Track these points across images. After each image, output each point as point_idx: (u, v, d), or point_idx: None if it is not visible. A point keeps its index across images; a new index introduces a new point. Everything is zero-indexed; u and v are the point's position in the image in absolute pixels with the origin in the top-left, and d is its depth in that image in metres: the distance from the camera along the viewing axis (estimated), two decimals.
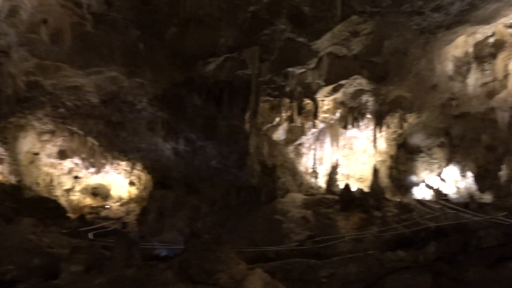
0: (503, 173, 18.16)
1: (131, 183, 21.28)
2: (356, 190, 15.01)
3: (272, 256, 8.99)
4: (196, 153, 16.45)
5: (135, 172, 20.37)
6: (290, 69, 13.83)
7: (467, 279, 7.02)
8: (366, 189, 15.89)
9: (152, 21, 11.48)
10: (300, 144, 18.34)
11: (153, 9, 11.05)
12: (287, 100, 15.66)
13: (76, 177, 20.40)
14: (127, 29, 11.67)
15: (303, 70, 14.03)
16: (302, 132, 17.57)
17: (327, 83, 14.80)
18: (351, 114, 16.92)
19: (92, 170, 19.69)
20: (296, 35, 12.23)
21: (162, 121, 15.60)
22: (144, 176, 20.35)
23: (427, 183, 19.36)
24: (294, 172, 17.53)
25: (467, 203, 15.65)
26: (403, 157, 20.13)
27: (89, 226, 14.20)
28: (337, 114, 17.09)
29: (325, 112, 16.83)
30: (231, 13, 11.27)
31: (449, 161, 19.54)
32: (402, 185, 19.77)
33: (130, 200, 21.39)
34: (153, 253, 10.57)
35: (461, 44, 15.06)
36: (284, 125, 16.97)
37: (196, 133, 15.56)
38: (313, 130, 17.85)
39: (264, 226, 12.66)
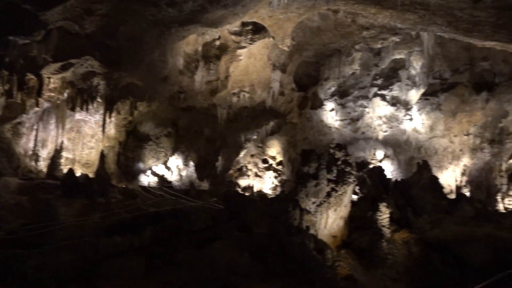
0: (219, 163, 20.35)
1: None
2: (81, 176, 14.43)
3: None
4: None
5: None
6: (11, 38, 12.26)
7: (177, 260, 7.54)
8: (92, 175, 15.45)
9: None
10: (19, 123, 16.46)
11: None
12: (5, 72, 13.80)
13: None
14: None
15: (28, 41, 12.65)
16: (22, 110, 15.82)
17: (55, 60, 13.73)
18: (81, 96, 16.15)
19: None
20: (20, 1, 10.90)
21: None
22: None
23: (153, 170, 20.10)
24: (9, 154, 15.63)
25: (188, 190, 16.95)
26: (132, 144, 20.38)
27: None
28: (65, 95, 16.05)
29: (51, 90, 15.58)
30: None
31: (174, 150, 20.76)
32: (130, 171, 20.00)
33: None
34: None
35: (192, 41, 16.17)
36: (1, 101, 14.94)
37: None
38: (36, 109, 16.29)
39: None
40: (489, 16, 11.25)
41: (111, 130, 19.07)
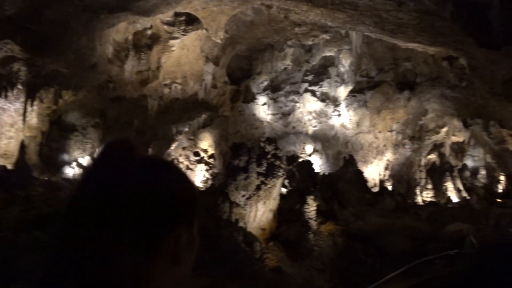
0: None
1: None
2: None
3: None
4: None
5: None
6: None
7: None
8: (10, 166, 14.57)
9: None
10: None
11: None
12: None
13: None
14: None
15: None
16: None
17: None
18: None
19: None
20: None
21: None
22: None
23: (79, 162, 19.28)
24: None
25: None
26: (56, 135, 19.40)
27: None
28: None
29: None
30: None
31: (102, 141, 20.02)
32: (53, 163, 19.04)
33: None
34: None
35: (122, 30, 15.66)
36: None
37: None
38: None
39: None
40: (411, 19, 11.87)
41: (33, 119, 18.00)
